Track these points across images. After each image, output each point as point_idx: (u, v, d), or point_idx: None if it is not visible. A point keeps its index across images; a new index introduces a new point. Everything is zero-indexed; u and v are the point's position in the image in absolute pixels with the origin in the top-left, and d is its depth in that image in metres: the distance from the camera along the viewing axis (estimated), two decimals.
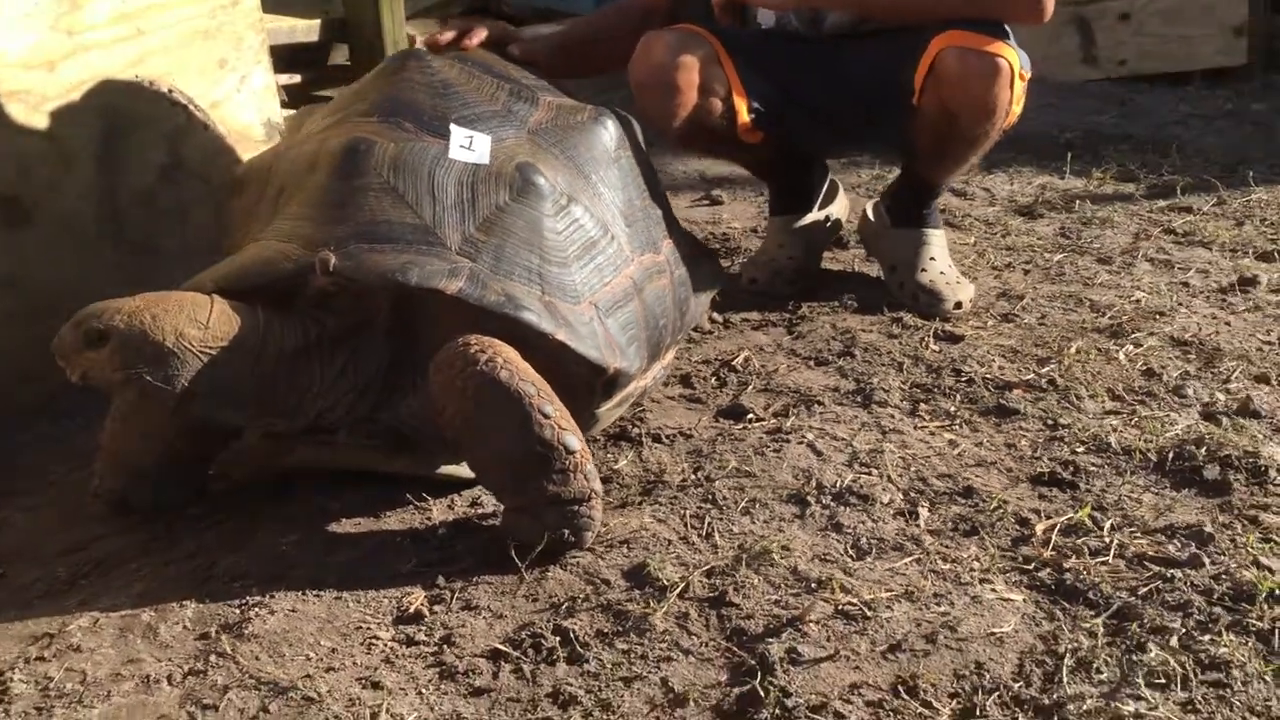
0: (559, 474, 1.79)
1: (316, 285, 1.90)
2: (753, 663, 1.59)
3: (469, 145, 2.00)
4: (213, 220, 2.77)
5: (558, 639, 1.65)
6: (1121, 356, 2.51)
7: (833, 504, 1.97)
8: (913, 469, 2.09)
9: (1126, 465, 2.08)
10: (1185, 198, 3.64)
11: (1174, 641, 1.60)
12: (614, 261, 2.11)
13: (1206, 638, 1.60)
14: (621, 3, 2.85)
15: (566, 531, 1.81)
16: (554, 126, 2.16)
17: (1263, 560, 1.77)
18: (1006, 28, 2.58)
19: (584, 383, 2.03)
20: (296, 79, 4.05)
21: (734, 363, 2.56)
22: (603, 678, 1.58)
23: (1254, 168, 3.88)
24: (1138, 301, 2.82)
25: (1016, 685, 1.54)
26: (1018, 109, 2.63)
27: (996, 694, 1.52)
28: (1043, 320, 2.75)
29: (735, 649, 1.63)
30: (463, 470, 2.01)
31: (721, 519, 1.94)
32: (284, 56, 3.77)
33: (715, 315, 2.82)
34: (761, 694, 1.52)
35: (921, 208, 2.87)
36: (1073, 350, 2.53)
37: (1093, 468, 2.07)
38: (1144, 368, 2.46)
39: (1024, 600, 1.72)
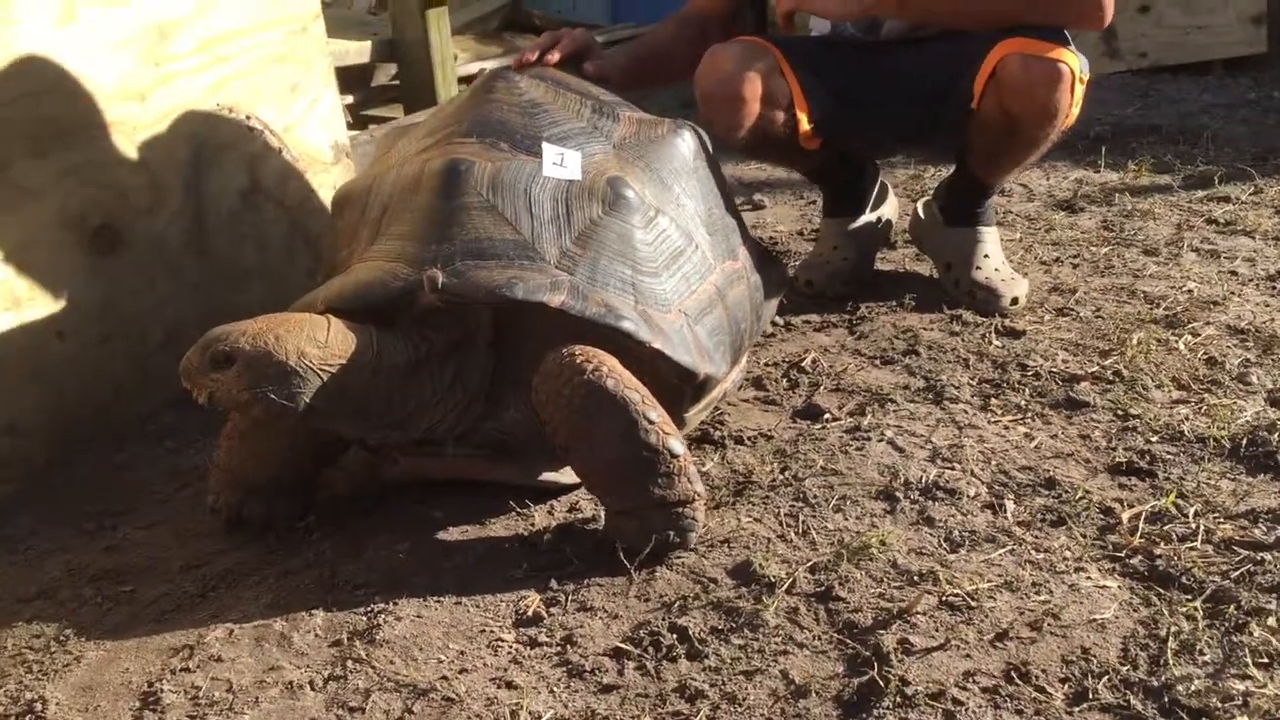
0: (664, 477, 1.86)
1: (424, 302, 1.96)
2: (867, 654, 1.65)
3: (561, 162, 2.07)
4: (287, 241, 2.84)
5: (675, 636, 1.71)
6: (1181, 346, 2.57)
7: (921, 499, 2.04)
8: (993, 463, 2.15)
9: (1201, 452, 2.14)
10: (1222, 187, 3.71)
11: (1272, 621, 1.66)
12: (699, 269, 2.18)
13: None
14: (679, 15, 2.90)
15: (672, 533, 1.88)
16: (636, 140, 2.23)
17: None
18: (1066, 33, 2.62)
19: (674, 388, 2.09)
20: (349, 100, 4.12)
21: (802, 364, 2.63)
22: (724, 672, 1.64)
23: None
24: (1190, 292, 2.89)
25: (1124, 669, 1.60)
26: (1076, 111, 2.68)
27: (1106, 678, 1.58)
28: (1098, 313, 2.81)
29: (848, 641, 1.69)
30: (563, 477, 2.08)
31: (815, 516, 2.01)
32: (337, 78, 3.84)
33: (776, 318, 2.88)
34: (881, 684, 1.58)
35: (975, 207, 2.93)
36: (1134, 342, 2.59)
37: (1168, 456, 2.14)
38: (1205, 356, 2.52)
39: (1119, 587, 1.78)
